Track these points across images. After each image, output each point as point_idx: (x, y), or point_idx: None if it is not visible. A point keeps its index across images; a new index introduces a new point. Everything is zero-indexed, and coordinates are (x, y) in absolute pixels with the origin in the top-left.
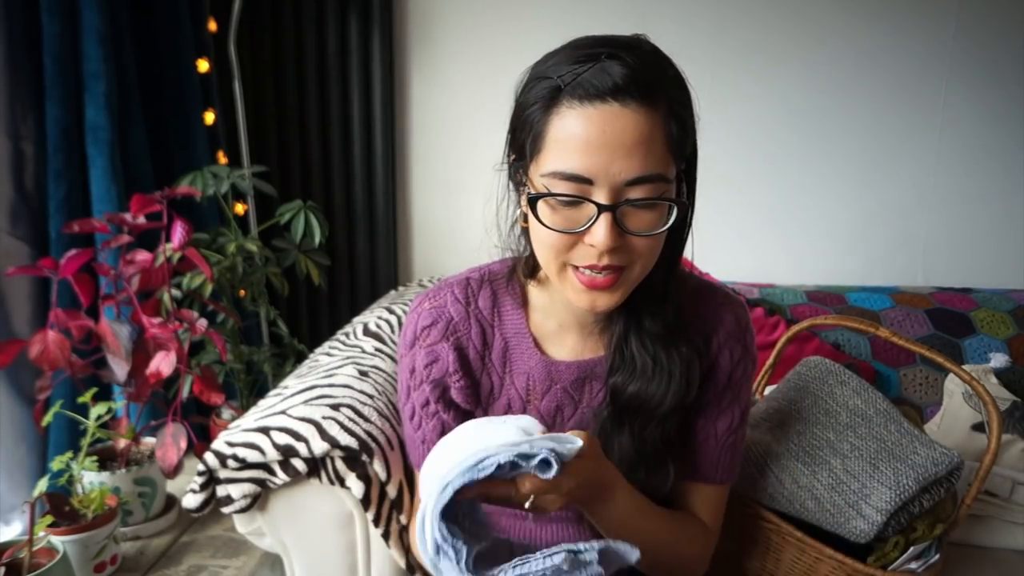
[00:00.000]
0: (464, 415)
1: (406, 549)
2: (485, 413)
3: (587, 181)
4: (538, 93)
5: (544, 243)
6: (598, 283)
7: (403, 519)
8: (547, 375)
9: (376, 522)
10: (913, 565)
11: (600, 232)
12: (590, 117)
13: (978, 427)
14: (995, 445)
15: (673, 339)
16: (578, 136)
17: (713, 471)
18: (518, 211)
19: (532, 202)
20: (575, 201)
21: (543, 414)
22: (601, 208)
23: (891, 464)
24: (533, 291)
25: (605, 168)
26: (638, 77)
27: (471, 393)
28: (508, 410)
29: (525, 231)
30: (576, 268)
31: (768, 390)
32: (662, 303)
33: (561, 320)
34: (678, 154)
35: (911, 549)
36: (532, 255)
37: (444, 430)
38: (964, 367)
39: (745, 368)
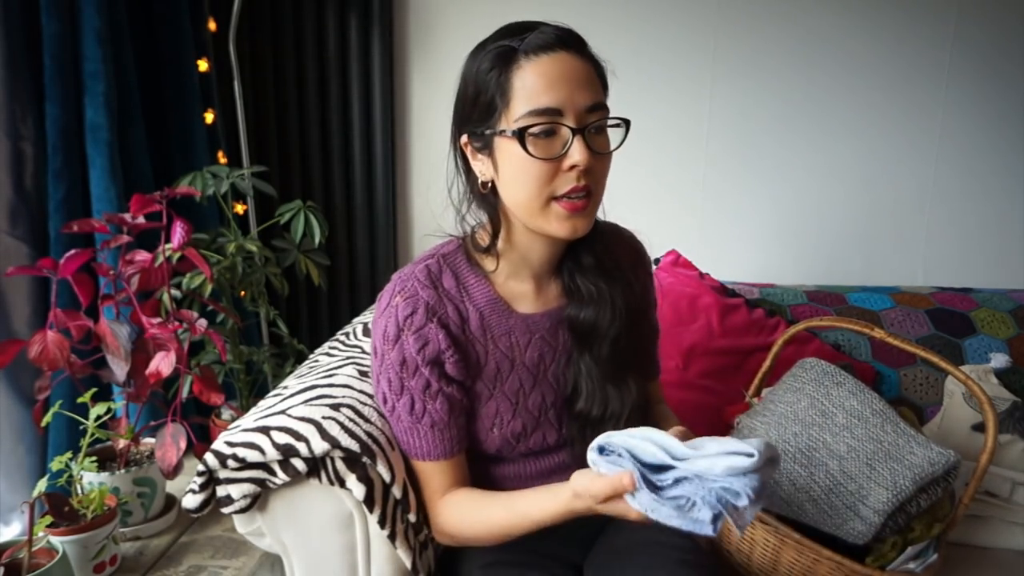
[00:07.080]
0: (462, 388)
1: (413, 549)
2: (476, 382)
3: (557, 112)
4: (490, 60)
5: (530, 178)
6: (578, 207)
7: (411, 517)
8: (527, 329)
9: (382, 523)
10: (911, 565)
11: (578, 150)
12: (548, 63)
13: (978, 427)
14: (991, 444)
15: (607, 270)
16: (541, 79)
17: (658, 366)
18: (479, 181)
19: (520, 136)
20: (551, 130)
21: (529, 366)
22: (574, 131)
23: (888, 465)
24: (490, 263)
25: (570, 99)
26: (570, 34)
27: (463, 366)
28: (498, 373)
29: (484, 197)
30: (559, 199)
31: (765, 392)
32: (592, 241)
33: (523, 276)
34: (606, 95)
35: (909, 549)
36: (492, 221)
37: (452, 405)
38: (964, 367)
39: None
